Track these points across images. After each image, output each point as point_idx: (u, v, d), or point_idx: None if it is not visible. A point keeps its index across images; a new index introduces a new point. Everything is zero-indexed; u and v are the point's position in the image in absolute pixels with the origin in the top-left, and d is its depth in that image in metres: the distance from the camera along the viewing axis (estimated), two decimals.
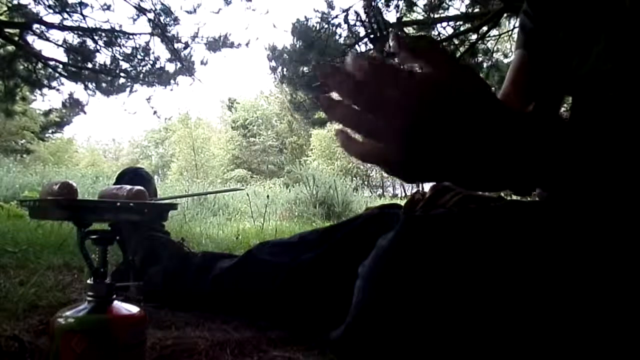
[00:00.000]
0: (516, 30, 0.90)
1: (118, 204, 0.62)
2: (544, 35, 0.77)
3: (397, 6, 4.89)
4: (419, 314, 0.47)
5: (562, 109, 0.86)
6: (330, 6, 4.99)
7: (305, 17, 5.11)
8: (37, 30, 4.92)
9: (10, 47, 4.98)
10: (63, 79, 5.37)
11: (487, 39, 5.06)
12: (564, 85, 0.79)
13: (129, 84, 5.51)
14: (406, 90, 0.37)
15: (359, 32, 5.10)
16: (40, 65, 5.18)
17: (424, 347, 0.47)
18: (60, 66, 5.23)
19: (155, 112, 6.05)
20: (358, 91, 0.38)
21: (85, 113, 5.82)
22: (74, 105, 5.61)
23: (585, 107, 0.72)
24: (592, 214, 0.45)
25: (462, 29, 5.09)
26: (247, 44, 5.68)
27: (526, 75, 0.83)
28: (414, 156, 0.37)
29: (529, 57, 0.82)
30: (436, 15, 4.98)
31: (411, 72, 0.38)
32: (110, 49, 5.17)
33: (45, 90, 5.64)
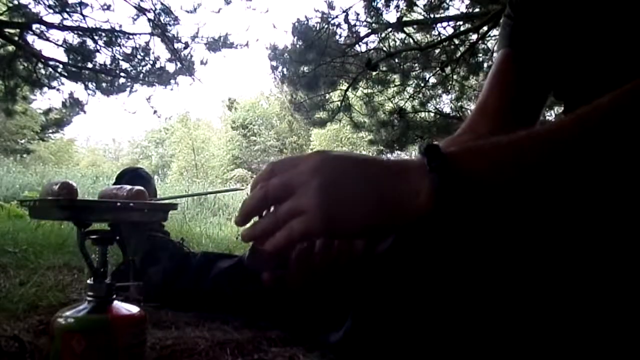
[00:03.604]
0: None
1: (118, 204, 0.62)
2: (528, 32, 0.76)
3: (397, 6, 4.89)
4: (418, 318, 0.47)
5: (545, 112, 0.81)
6: (331, 6, 4.99)
7: (306, 17, 5.11)
8: (37, 30, 4.92)
9: (10, 47, 4.97)
10: (63, 79, 5.36)
11: (487, 39, 5.05)
12: (552, 83, 0.77)
13: (129, 83, 5.50)
14: (297, 166, 0.42)
15: (359, 32, 5.11)
16: (40, 65, 5.18)
17: (424, 351, 0.47)
18: (60, 66, 5.23)
19: (155, 112, 6.05)
20: (264, 192, 0.43)
21: (85, 112, 5.81)
22: (74, 105, 5.60)
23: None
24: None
25: (462, 29, 5.09)
26: (247, 44, 5.67)
27: (509, 74, 0.78)
28: (332, 207, 0.41)
29: (515, 53, 0.78)
30: (436, 15, 4.97)
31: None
32: (110, 49, 5.17)
33: (45, 90, 5.65)
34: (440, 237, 0.42)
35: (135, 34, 5.20)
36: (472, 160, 0.40)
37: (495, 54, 4.95)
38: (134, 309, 0.58)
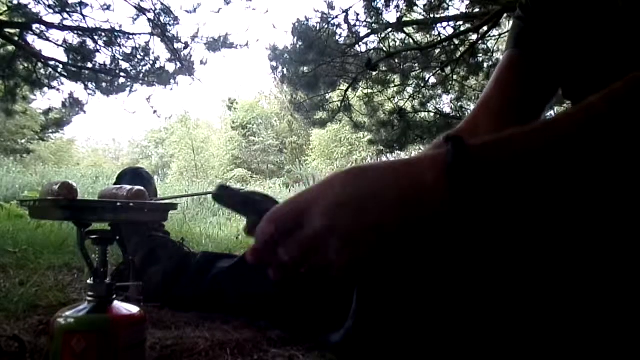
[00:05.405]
0: None
1: (118, 204, 0.62)
2: (538, 35, 0.76)
3: (397, 6, 4.89)
4: (419, 318, 0.47)
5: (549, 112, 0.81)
6: (331, 6, 4.99)
7: (306, 17, 5.11)
8: (37, 30, 4.91)
9: (10, 47, 4.97)
10: (63, 79, 5.36)
11: (487, 39, 5.05)
12: (560, 83, 0.77)
13: (129, 83, 5.50)
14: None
15: (359, 32, 5.11)
16: (40, 65, 5.17)
17: (425, 351, 0.47)
18: (60, 66, 5.22)
19: (155, 112, 6.05)
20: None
21: (85, 112, 5.81)
22: (74, 105, 5.60)
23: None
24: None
25: (462, 29, 5.09)
26: (246, 45, 5.67)
27: (515, 73, 0.78)
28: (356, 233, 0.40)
29: (523, 54, 0.78)
30: (436, 16, 4.97)
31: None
32: (110, 49, 5.16)
33: (45, 90, 5.65)
34: (445, 232, 0.41)
35: (135, 34, 5.20)
36: (489, 145, 0.39)
37: (495, 54, 4.96)
38: (134, 309, 0.58)
